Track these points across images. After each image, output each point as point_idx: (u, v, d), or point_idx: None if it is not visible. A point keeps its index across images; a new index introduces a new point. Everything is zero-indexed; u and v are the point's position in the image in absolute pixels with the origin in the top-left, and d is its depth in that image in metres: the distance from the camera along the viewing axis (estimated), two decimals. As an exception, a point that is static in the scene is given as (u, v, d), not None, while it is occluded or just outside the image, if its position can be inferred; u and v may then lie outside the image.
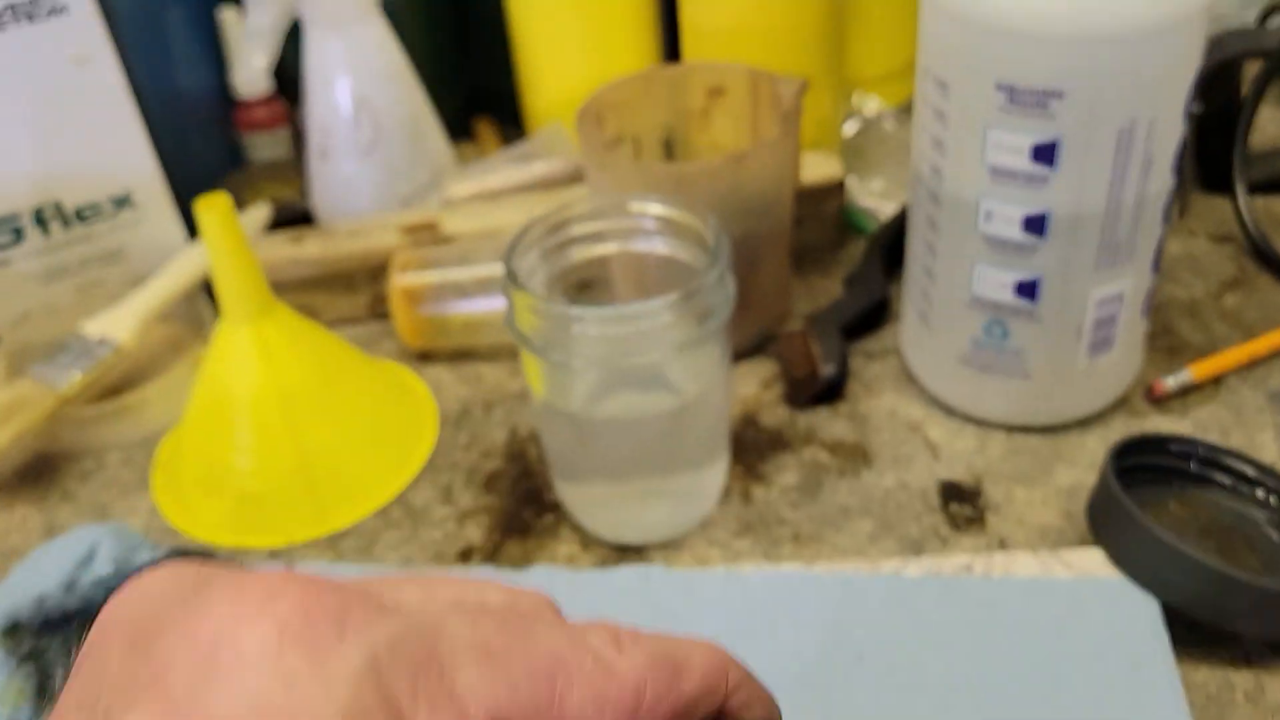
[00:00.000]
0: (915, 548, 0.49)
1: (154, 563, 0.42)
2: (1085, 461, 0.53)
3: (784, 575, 0.46)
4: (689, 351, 0.45)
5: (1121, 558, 0.44)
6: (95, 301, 0.67)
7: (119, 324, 0.62)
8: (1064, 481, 0.52)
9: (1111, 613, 0.42)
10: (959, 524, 0.50)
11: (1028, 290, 0.50)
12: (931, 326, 0.54)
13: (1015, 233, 0.48)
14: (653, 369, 0.46)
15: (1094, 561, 0.44)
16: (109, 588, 0.41)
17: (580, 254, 0.51)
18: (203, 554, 0.44)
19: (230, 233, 0.50)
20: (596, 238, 0.51)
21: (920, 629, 0.43)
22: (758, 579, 0.46)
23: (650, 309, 0.43)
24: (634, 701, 0.23)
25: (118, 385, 0.64)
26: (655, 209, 0.49)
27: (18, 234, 0.64)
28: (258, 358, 0.53)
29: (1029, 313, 0.50)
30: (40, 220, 0.64)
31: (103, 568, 0.42)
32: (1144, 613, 0.42)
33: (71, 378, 0.58)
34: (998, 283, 0.50)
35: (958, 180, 0.49)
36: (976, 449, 0.54)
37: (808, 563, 0.48)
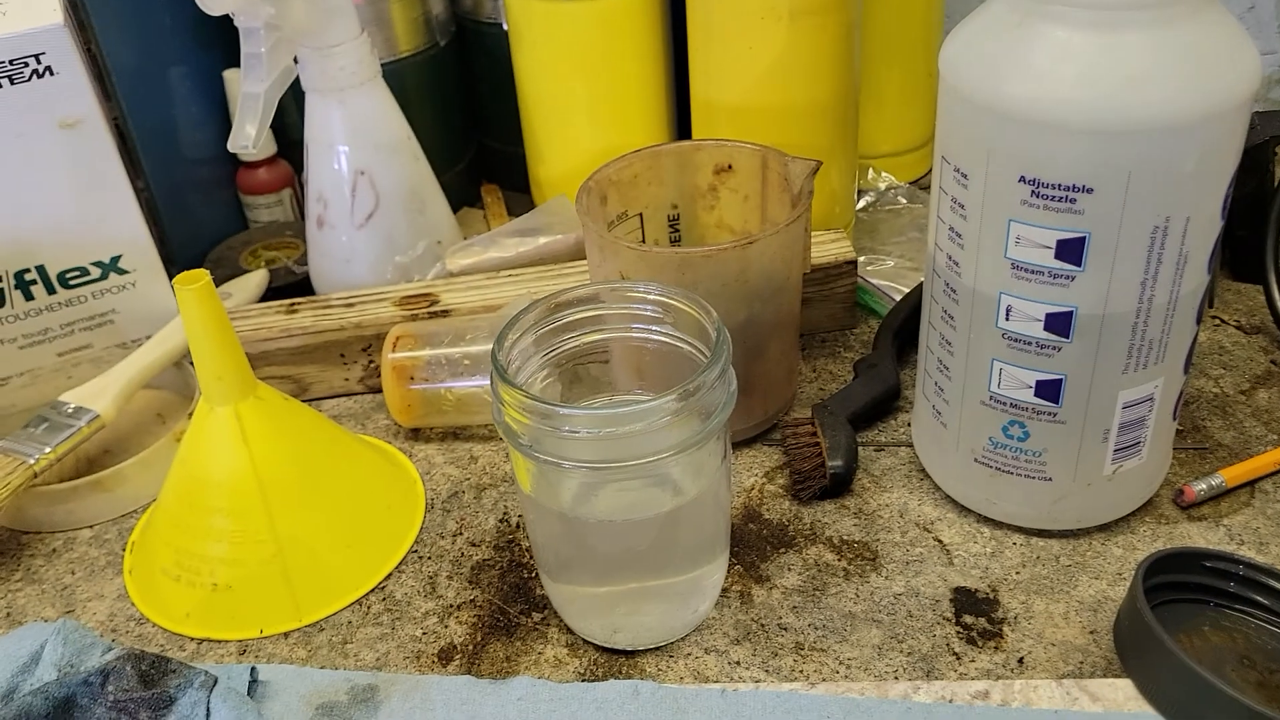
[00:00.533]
0: (926, 664, 0.46)
1: (102, 669, 0.39)
2: (1110, 571, 0.50)
3: (783, 697, 0.43)
4: (688, 451, 0.42)
5: (1152, 691, 0.40)
6: (80, 368, 0.64)
7: (100, 394, 0.59)
8: (1087, 594, 0.49)
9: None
10: (973, 638, 0.47)
11: (1050, 391, 0.47)
12: (946, 423, 0.52)
13: (1037, 331, 0.45)
14: (649, 470, 0.43)
15: (1124, 694, 0.41)
16: (50, 697, 0.38)
17: (577, 340, 0.48)
18: (158, 659, 0.41)
19: (210, 311, 0.48)
20: (594, 323, 0.48)
21: (930, 763, 0.39)
22: (755, 700, 0.43)
23: (646, 410, 0.41)
24: None
25: (97, 457, 0.62)
26: (656, 295, 0.46)
27: (-1, 298, 0.62)
28: (236, 441, 0.50)
29: (1051, 414, 0.47)
30: (23, 284, 0.62)
31: (46, 674, 0.39)
32: (1175, 752, 0.39)
33: (44, 451, 0.56)
34: (1018, 382, 0.47)
35: (977, 274, 0.46)
36: (993, 554, 0.51)
37: (810, 679, 0.45)
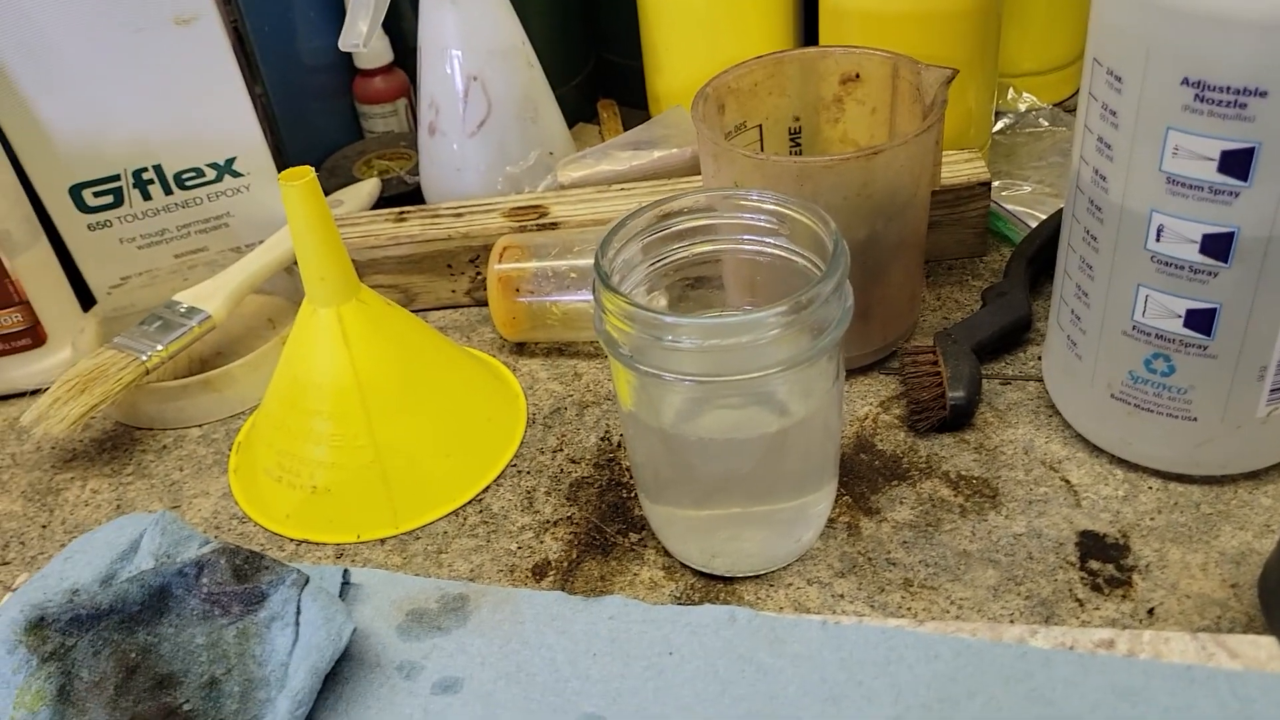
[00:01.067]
0: (1046, 609, 0.43)
1: (197, 561, 0.39)
2: (1257, 523, 0.45)
3: (888, 633, 0.40)
4: (798, 369, 0.40)
5: (1299, 650, 0.37)
6: (196, 270, 0.65)
7: (212, 296, 0.60)
8: (1229, 545, 0.45)
9: (1282, 715, 0.35)
10: (1099, 585, 0.44)
11: (1201, 321, 0.43)
12: (1081, 354, 0.48)
13: (1191, 254, 0.41)
14: (755, 386, 0.41)
15: (1267, 652, 0.37)
16: (146, 585, 0.38)
17: (686, 251, 0.46)
18: (251, 554, 0.41)
19: (313, 209, 0.47)
20: (705, 233, 0.46)
21: (1046, 714, 0.36)
22: (857, 634, 0.40)
23: (755, 321, 0.38)
24: None
25: (209, 358, 0.63)
26: (770, 205, 0.44)
27: (117, 197, 0.63)
28: (338, 343, 0.50)
29: (1200, 347, 0.43)
30: (140, 183, 0.63)
31: (144, 562, 0.39)
32: (1323, 719, 0.35)
33: (156, 349, 0.56)
34: (1165, 310, 0.43)
35: (1126, 189, 0.42)
36: (1125, 497, 0.47)
37: (917, 617, 0.42)
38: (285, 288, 0.66)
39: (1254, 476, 0.47)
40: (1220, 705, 0.36)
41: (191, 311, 0.58)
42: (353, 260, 0.51)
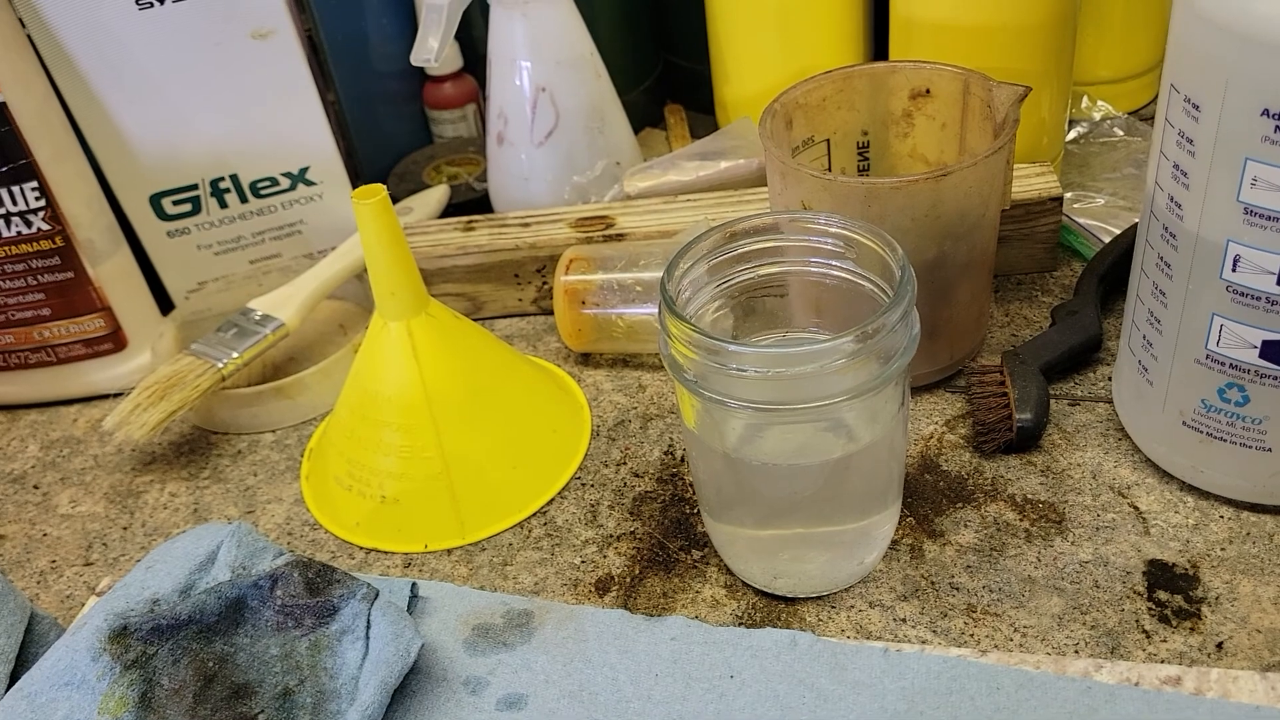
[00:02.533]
0: (1112, 640, 0.42)
1: (271, 573, 0.40)
2: (1332, 556, 0.45)
3: (950, 662, 0.40)
4: (863, 397, 0.40)
5: (1374, 696, 0.36)
6: (270, 276, 0.66)
7: (285, 303, 0.61)
8: (1303, 579, 0.44)
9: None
10: (1167, 617, 0.43)
11: (1278, 353, 0.42)
12: (1153, 380, 0.47)
13: (1269, 285, 0.40)
14: (821, 414, 0.41)
15: (1337, 695, 0.37)
16: (223, 596, 0.39)
17: (753, 272, 0.46)
18: (324, 568, 0.42)
19: (385, 226, 0.48)
20: (771, 255, 0.46)
21: (1109, 749, 0.36)
22: (919, 663, 0.40)
23: (820, 351, 0.38)
24: None
25: (282, 364, 0.64)
26: (837, 228, 0.44)
27: (195, 205, 0.64)
28: (407, 356, 0.51)
29: (1276, 378, 0.42)
30: (217, 192, 0.64)
31: (220, 573, 0.40)
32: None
33: (232, 356, 0.58)
34: (1240, 340, 0.42)
35: (1202, 218, 0.41)
36: (1196, 526, 0.47)
37: (980, 645, 0.42)
38: (356, 294, 0.67)
39: (1331, 508, 0.46)
40: (1290, 749, 0.35)
41: (266, 319, 0.60)
42: (421, 268, 0.52)
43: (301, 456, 0.58)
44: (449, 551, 0.51)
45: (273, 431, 0.60)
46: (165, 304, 0.67)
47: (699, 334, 0.39)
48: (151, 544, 0.53)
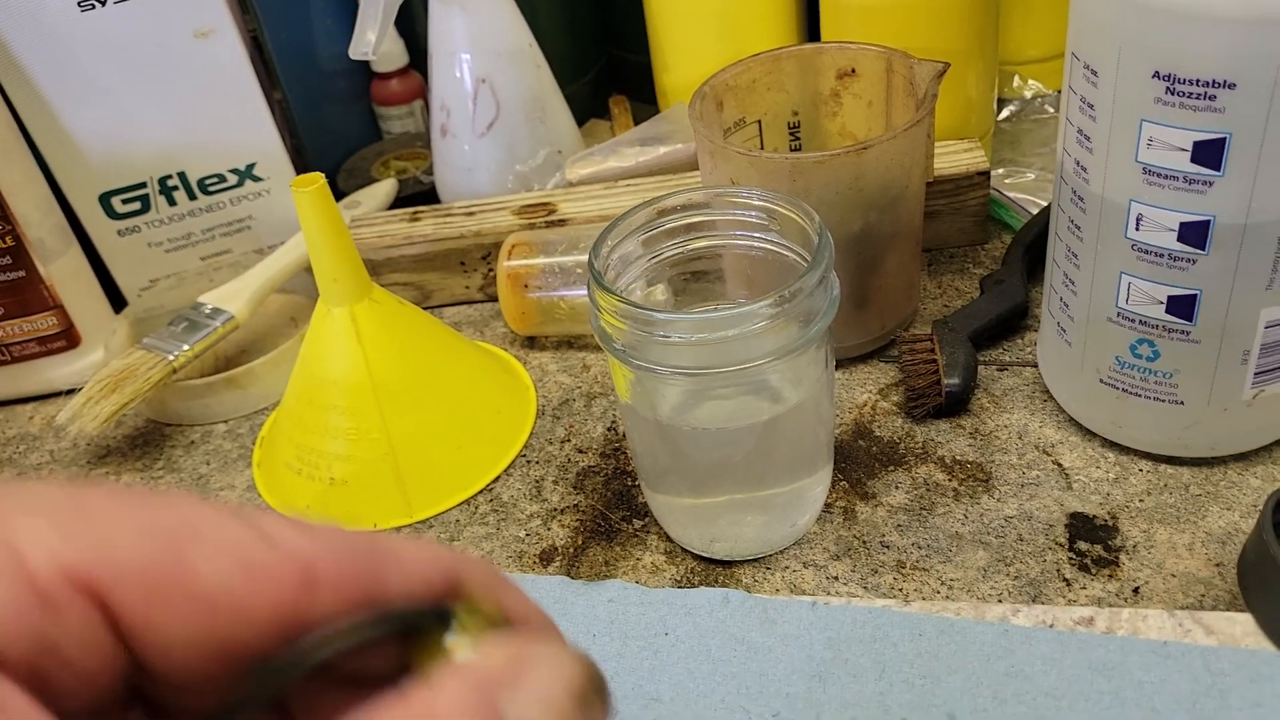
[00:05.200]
0: (1034, 589, 0.44)
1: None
2: (1245, 503, 0.46)
3: (874, 612, 0.42)
4: (788, 358, 0.41)
5: (1274, 626, 0.38)
6: (221, 272, 0.67)
7: (235, 296, 0.62)
8: (1216, 525, 0.46)
9: (1258, 692, 0.36)
10: (1087, 565, 0.45)
11: (1183, 307, 0.44)
12: (1071, 340, 0.49)
13: (1170, 241, 0.42)
14: (748, 377, 0.43)
15: (1242, 628, 0.39)
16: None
17: (683, 247, 0.47)
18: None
19: (325, 214, 0.49)
20: (700, 229, 0.47)
21: (1024, 689, 0.38)
22: (844, 614, 0.42)
23: (743, 314, 0.40)
24: (299, 576, 0.20)
25: (234, 356, 0.65)
26: (758, 201, 0.45)
27: (144, 203, 0.65)
28: (351, 341, 0.52)
29: (1183, 332, 0.44)
30: (166, 190, 0.65)
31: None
32: (1295, 692, 0.36)
33: (183, 349, 0.59)
34: (1148, 297, 0.44)
35: (1105, 180, 0.43)
36: (1116, 480, 0.49)
37: (908, 598, 0.44)
38: (306, 287, 0.68)
39: (1243, 458, 0.48)
40: (1193, 679, 0.37)
41: (216, 312, 0.61)
42: (369, 259, 0.53)
43: (253, 445, 0.59)
44: (397, 530, 0.52)
45: (225, 422, 0.61)
46: (118, 301, 0.67)
47: (625, 304, 0.41)
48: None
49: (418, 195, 0.74)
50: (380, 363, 0.52)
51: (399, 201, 0.73)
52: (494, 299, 0.67)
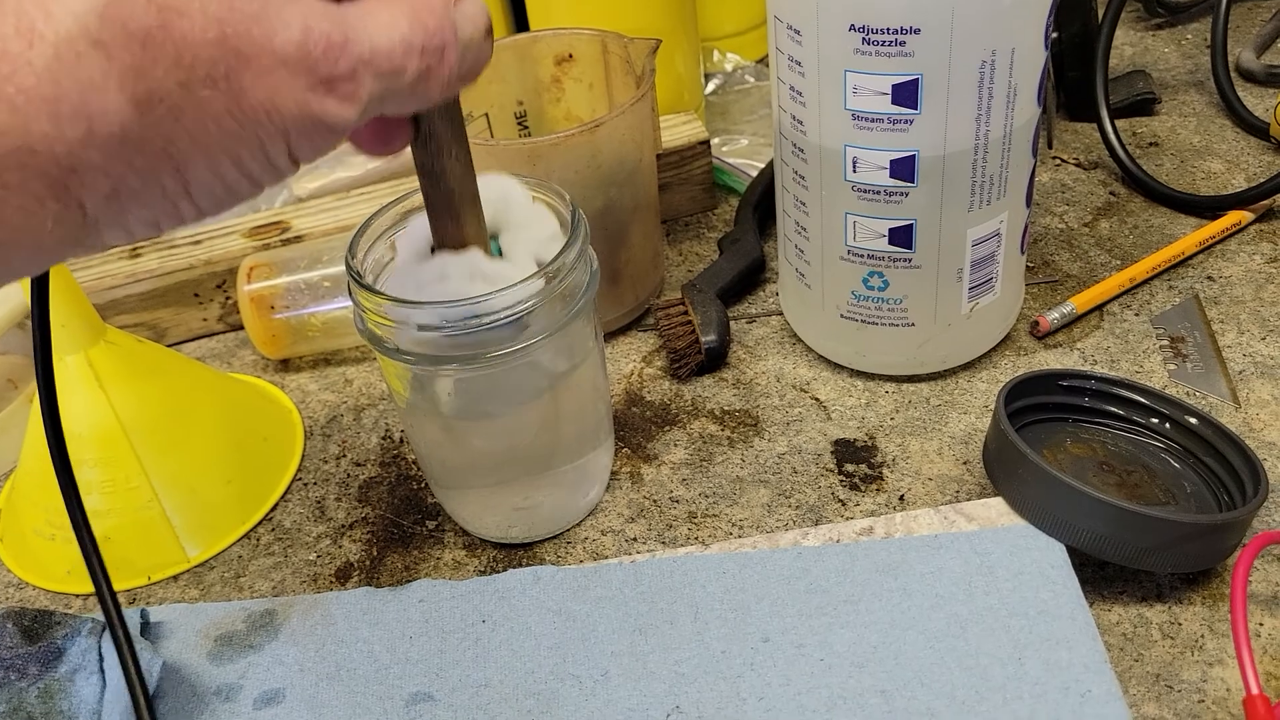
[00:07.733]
0: (814, 514, 0.47)
1: (-18, 629, 0.38)
2: (977, 405, 0.52)
3: (679, 561, 0.44)
4: (558, 334, 0.42)
5: (1022, 504, 0.43)
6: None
7: (-60, 364, 0.56)
8: (958, 429, 0.51)
9: (1018, 561, 0.41)
10: (857, 484, 0.49)
11: (902, 237, 0.48)
12: (810, 283, 0.53)
13: (883, 179, 0.46)
14: (520, 357, 0.43)
15: (996, 511, 0.43)
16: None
17: (434, 241, 0.47)
18: (40, 613, 0.40)
19: (42, 254, 0.45)
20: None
21: (825, 601, 0.41)
22: (652, 567, 0.43)
23: (509, 296, 0.40)
24: None
25: (-52, 430, 0.59)
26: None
27: None
28: (92, 388, 0.48)
29: (906, 260, 0.49)
30: None
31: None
32: (1051, 558, 0.41)
33: (-112, 429, 0.53)
34: (871, 232, 0.48)
35: (821, 129, 0.47)
36: (867, 404, 0.53)
37: (704, 543, 0.46)
38: (21, 344, 0.63)
39: (970, 366, 0.54)
40: (965, 562, 0.41)
41: (-79, 384, 0.55)
42: (92, 303, 0.49)
43: (-9, 520, 0.54)
44: (175, 578, 0.49)
45: (-48, 501, 0.55)
46: None
47: (389, 300, 0.40)
48: None
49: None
50: (128, 406, 0.49)
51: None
52: (237, 327, 0.64)
